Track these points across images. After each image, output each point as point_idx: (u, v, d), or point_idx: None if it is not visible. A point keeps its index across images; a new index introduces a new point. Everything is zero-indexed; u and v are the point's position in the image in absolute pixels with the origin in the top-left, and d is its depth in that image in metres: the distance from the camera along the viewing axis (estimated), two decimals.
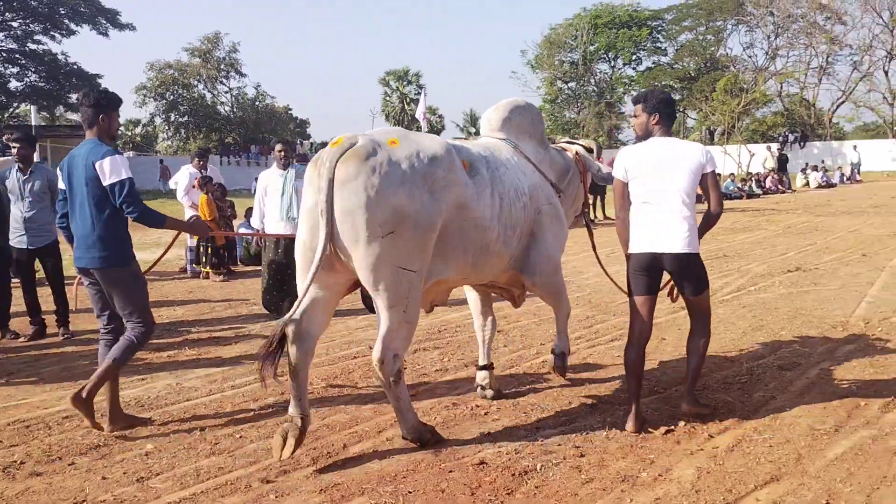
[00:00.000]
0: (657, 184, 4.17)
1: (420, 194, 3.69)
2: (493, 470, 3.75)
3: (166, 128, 53.07)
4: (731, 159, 44.80)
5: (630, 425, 4.19)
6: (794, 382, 5.05)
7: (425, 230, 3.73)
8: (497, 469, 3.76)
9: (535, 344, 6.37)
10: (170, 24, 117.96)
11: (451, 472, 3.75)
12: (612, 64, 60.42)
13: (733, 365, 5.55)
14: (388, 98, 62.04)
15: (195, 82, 50.81)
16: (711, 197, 4.24)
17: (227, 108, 56.43)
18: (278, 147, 8.05)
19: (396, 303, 3.72)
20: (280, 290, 7.63)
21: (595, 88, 56.88)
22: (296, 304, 3.80)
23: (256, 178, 8.69)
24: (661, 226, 4.14)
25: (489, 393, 4.83)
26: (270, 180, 7.93)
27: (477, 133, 6.57)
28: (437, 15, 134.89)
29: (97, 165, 4.16)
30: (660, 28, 60.30)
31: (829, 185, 30.31)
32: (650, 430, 4.23)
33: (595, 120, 52.81)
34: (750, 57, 58.52)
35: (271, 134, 47.41)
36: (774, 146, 46.88)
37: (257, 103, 54.02)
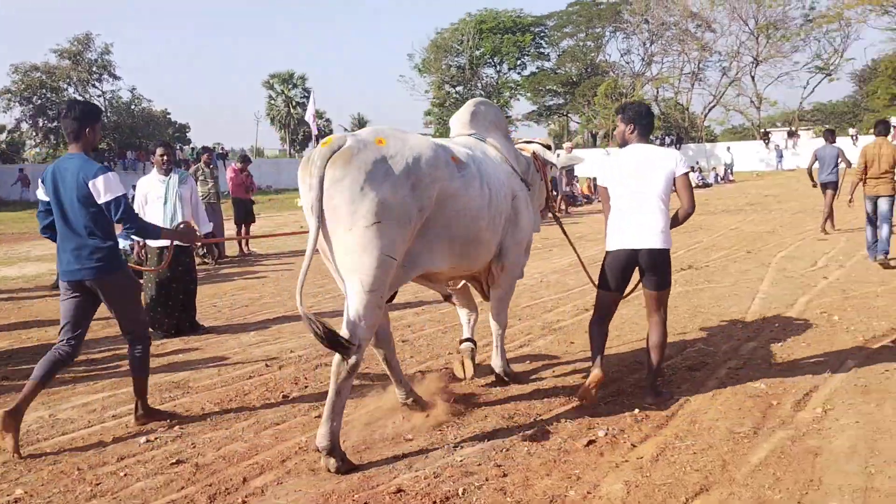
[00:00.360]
0: (636, 186, 4.53)
1: (403, 189, 3.85)
2: (411, 498, 3.46)
3: (34, 134, 49.79)
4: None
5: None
6: (705, 383, 5.02)
7: (407, 222, 3.89)
8: (416, 497, 3.46)
9: (443, 353, 6.12)
10: (36, 25, 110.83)
11: (365, 503, 3.43)
12: (498, 69, 61.47)
13: (643, 367, 5.46)
14: (272, 101, 60.71)
15: (65, 86, 47.88)
16: (684, 197, 4.61)
17: None
18: (159, 151, 7.41)
19: (376, 287, 3.82)
20: (164, 307, 7.07)
21: (482, 92, 57.55)
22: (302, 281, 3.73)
23: (134, 186, 8.02)
24: (641, 225, 4.51)
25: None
26: (151, 187, 7.28)
27: None
28: (323, 18, 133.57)
29: (91, 184, 4.21)
30: (542, 34, 61.82)
31: (706, 185, 31.74)
32: (573, 441, 4.06)
33: None
34: (627, 63, 60.83)
35: (148, 139, 45.12)
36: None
37: (133, 107, 51.49)
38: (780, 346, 5.84)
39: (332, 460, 3.72)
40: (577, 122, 64.95)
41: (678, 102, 57.48)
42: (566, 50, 61.33)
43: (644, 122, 4.69)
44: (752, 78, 55.09)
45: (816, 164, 12.75)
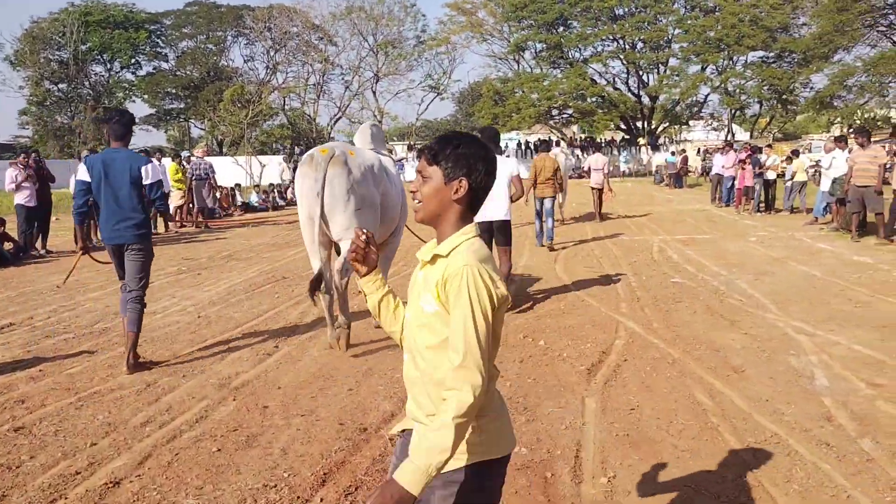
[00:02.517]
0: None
1: (371, 186, 5.97)
2: None
3: None
4: (243, 170, 44.54)
5: None
6: None
7: (375, 207, 6.04)
8: None
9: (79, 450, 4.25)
10: None
11: None
12: (109, 66, 55.57)
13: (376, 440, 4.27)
14: None
15: None
16: (517, 187, 7.39)
17: None
18: None
19: (389, 248, 6.63)
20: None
21: (91, 92, 51.51)
22: (315, 255, 5.95)
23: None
24: (491, 205, 6.71)
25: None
26: None
27: None
28: None
29: (142, 170, 5.59)
30: (159, 32, 57.49)
31: None
32: None
33: (93, 126, 47.72)
34: (252, 70, 59.39)
35: None
36: (278, 158, 48.16)
37: None
38: (509, 387, 5.08)
39: (342, 346, 6.03)
40: (200, 128, 61.77)
41: (305, 112, 57.59)
42: (186, 51, 57.78)
43: (496, 141, 7.26)
44: (374, 93, 57.40)
45: None
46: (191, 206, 18.13)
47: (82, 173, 5.64)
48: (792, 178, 17.58)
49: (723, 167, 20.92)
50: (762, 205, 18.18)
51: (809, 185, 18.80)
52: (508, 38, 52.85)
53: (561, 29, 49.62)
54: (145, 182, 5.56)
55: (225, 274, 10.50)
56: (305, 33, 56.13)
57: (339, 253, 6.29)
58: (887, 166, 12.10)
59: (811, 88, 47.91)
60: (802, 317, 6.89)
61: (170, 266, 11.38)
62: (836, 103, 43.36)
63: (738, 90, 46.65)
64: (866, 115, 50.92)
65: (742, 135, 53.24)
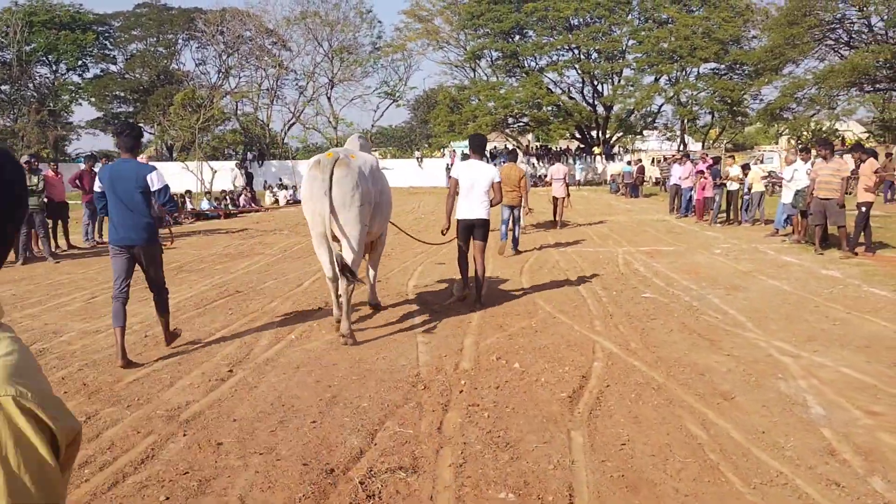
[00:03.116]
0: (474, 182, 7.84)
1: (370, 185, 6.74)
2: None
3: None
4: (194, 175, 43.51)
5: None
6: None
7: (373, 204, 6.85)
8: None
9: None
10: None
11: None
12: (54, 68, 53.87)
13: (343, 481, 3.85)
14: None
15: None
16: (497, 191, 7.95)
17: None
18: None
19: (360, 241, 6.71)
20: None
21: (35, 94, 49.81)
22: (324, 251, 6.79)
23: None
24: (473, 206, 7.84)
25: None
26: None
27: None
28: None
29: (148, 178, 6.05)
30: (107, 34, 56.00)
31: (298, 202, 31.15)
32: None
33: (37, 129, 46.16)
34: (204, 74, 58.21)
35: None
36: (230, 164, 47.17)
37: None
38: (488, 418, 4.69)
39: (351, 340, 6.56)
40: (150, 133, 60.27)
41: (258, 118, 56.60)
42: (135, 54, 56.38)
43: (477, 145, 8.22)
44: (329, 98, 56.69)
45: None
46: None
47: (97, 184, 6.28)
48: (749, 190, 17.62)
49: (680, 178, 20.94)
50: (721, 215, 18.18)
51: (769, 195, 18.91)
52: (465, 46, 52.70)
53: (517, 38, 49.65)
54: (153, 189, 6.07)
55: (174, 287, 9.89)
56: (259, 38, 55.20)
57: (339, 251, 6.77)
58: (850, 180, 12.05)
59: (760, 100, 48.75)
60: (783, 336, 6.65)
61: None
62: (785, 115, 44.13)
63: (690, 101, 47.22)
64: (813, 128, 52.03)
65: (694, 145, 53.90)
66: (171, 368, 5.99)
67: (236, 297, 9.09)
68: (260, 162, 48.74)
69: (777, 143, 60.93)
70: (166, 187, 6.16)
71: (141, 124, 59.18)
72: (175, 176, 40.63)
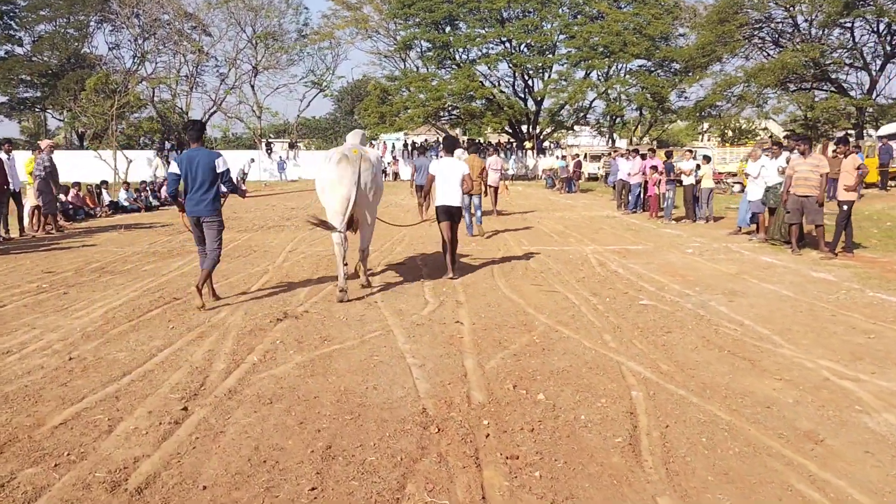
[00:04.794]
0: (448, 176, 9.46)
1: (377, 175, 8.56)
2: None
3: None
4: (108, 165, 40.98)
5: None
6: None
7: (382, 191, 8.92)
8: None
9: None
10: None
11: None
12: None
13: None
14: None
15: None
16: (467, 183, 9.49)
17: None
18: None
19: (373, 222, 8.77)
20: None
21: None
22: (340, 224, 8.04)
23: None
24: (449, 195, 9.43)
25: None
26: None
27: None
28: None
29: (216, 162, 7.53)
30: (13, 14, 52.31)
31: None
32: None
33: None
34: (118, 58, 55.16)
35: None
36: (148, 153, 44.63)
37: None
38: (539, 478, 3.66)
39: (345, 293, 7.95)
40: (59, 119, 56.84)
41: (176, 105, 53.91)
42: (44, 36, 52.82)
43: (448, 145, 10.32)
44: (252, 87, 54.48)
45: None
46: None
47: (174, 167, 7.70)
48: (698, 185, 17.13)
49: (630, 174, 20.36)
50: (675, 212, 17.67)
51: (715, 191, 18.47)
52: (395, 36, 51.43)
53: (448, 29, 48.65)
54: (218, 171, 7.55)
55: (98, 293, 8.53)
56: (177, 21, 52.52)
57: (353, 229, 8.73)
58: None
59: (686, 97, 49.26)
60: (822, 353, 5.86)
61: (26, 282, 9.24)
62: (713, 113, 44.64)
63: (620, 97, 47.28)
64: (736, 125, 52.94)
65: (620, 141, 54.18)
66: (107, 405, 4.73)
67: (174, 306, 7.78)
68: (179, 151, 46.28)
69: (704, 140, 62.02)
70: (228, 170, 7.63)
71: (49, 111, 55.83)
72: (88, 166, 38.08)
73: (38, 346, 6.17)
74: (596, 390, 4.92)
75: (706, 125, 56.60)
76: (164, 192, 24.34)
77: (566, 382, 5.10)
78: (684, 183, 17.28)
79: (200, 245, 7.76)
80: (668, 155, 18.80)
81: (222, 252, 7.91)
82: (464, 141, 51.43)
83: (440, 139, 46.68)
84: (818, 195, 11.25)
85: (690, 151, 18.62)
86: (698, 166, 17.09)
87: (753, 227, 14.09)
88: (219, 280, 9.32)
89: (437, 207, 9.52)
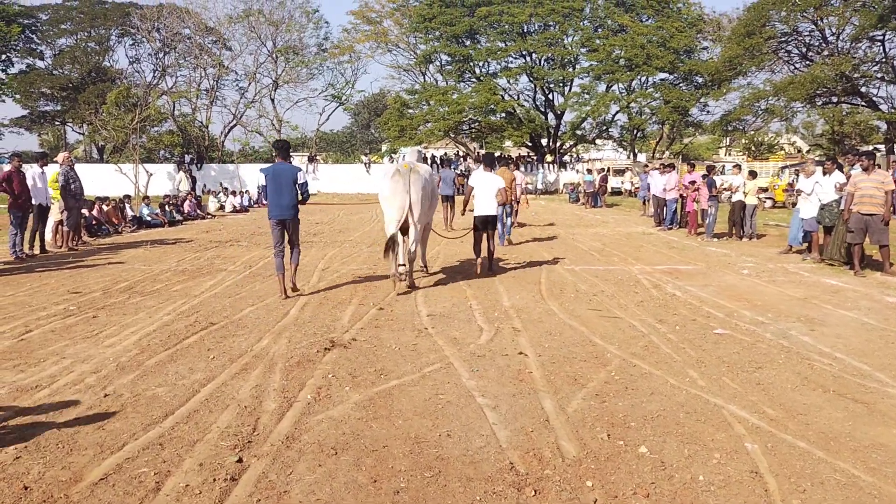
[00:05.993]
0: (486, 187, 10.75)
1: (429, 187, 9.53)
2: None
3: None
4: (128, 179, 40.79)
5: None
6: None
7: (435, 200, 10.00)
8: None
9: None
10: None
11: None
12: None
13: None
14: None
15: None
16: (502, 196, 10.82)
17: None
18: None
19: (427, 227, 10.29)
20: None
21: None
22: (395, 227, 9.23)
23: None
24: (485, 204, 10.75)
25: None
26: None
27: None
28: None
29: (297, 174, 8.75)
30: (34, 28, 52.47)
31: (246, 210, 29.16)
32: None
33: None
34: (139, 72, 55.19)
35: None
36: (168, 167, 44.42)
37: None
38: None
39: (404, 275, 9.58)
40: (79, 133, 56.90)
41: (197, 119, 53.78)
42: (65, 49, 52.94)
43: (489, 160, 11.53)
44: (272, 100, 54.30)
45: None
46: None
47: (261, 179, 8.89)
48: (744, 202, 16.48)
49: (664, 189, 19.73)
50: (712, 227, 17.02)
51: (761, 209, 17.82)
52: (414, 50, 51.13)
53: (469, 42, 48.24)
54: (299, 182, 8.74)
55: (129, 317, 8.02)
56: (198, 35, 52.47)
57: (406, 233, 9.49)
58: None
59: (708, 112, 48.59)
60: None
61: (53, 304, 8.75)
62: (739, 127, 43.93)
63: (643, 110, 46.67)
64: (760, 139, 52.15)
65: (640, 156, 53.54)
66: (152, 454, 4.18)
67: (212, 332, 7.25)
68: (199, 165, 46.07)
69: (723, 154, 61.26)
70: (307, 182, 8.83)
71: (69, 124, 55.87)
72: (108, 180, 37.88)
73: (69, 380, 5.64)
74: (704, 442, 4.32)
75: (728, 139, 55.87)
76: (187, 207, 23.95)
77: (666, 431, 4.51)
78: (733, 199, 16.61)
79: (277, 245, 8.87)
80: (710, 170, 18.16)
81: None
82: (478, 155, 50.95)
83: (471, 153, 46.25)
84: (884, 213, 10.62)
85: (738, 167, 17.95)
86: (752, 178, 16.46)
87: (805, 245, 13.45)
88: (255, 302, 8.80)
89: (475, 217, 10.95)
